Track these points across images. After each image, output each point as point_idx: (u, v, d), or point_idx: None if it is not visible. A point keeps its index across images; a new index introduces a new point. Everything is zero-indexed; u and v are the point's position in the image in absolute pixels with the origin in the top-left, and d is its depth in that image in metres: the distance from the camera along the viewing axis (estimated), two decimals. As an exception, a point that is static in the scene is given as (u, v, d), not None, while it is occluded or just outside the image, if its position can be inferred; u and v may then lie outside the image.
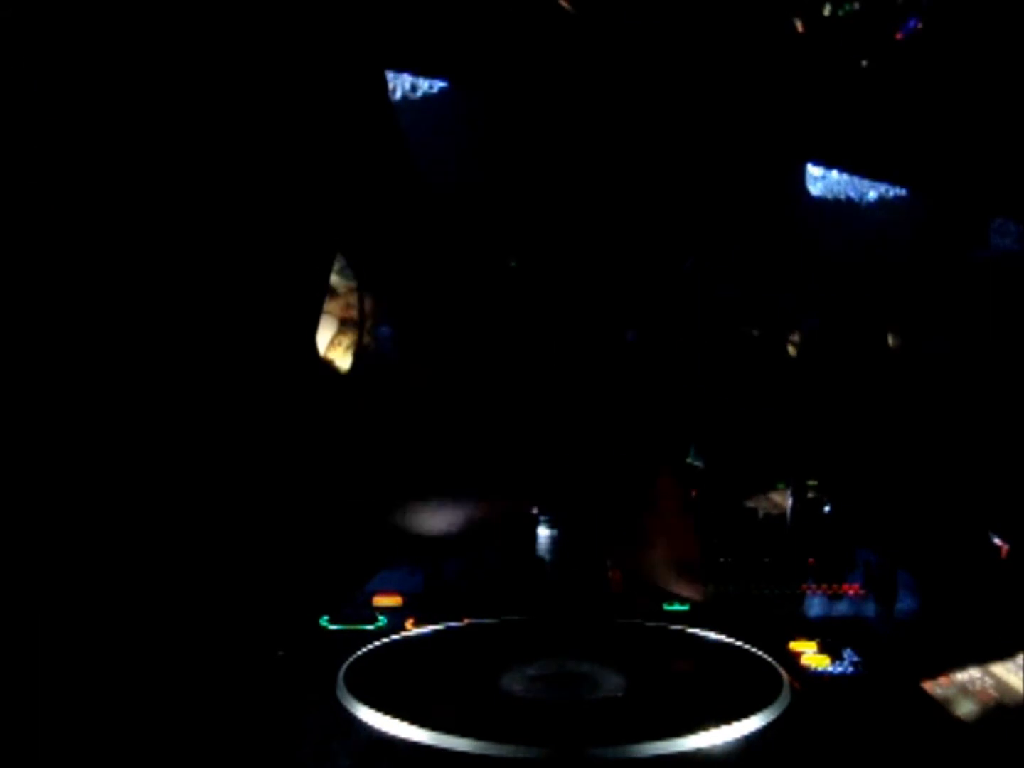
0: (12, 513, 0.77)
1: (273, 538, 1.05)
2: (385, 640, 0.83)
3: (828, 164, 2.24)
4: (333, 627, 0.89)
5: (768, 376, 2.17)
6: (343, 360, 1.86)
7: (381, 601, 0.97)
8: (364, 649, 0.80)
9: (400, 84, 2.65)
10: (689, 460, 1.86)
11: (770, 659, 0.78)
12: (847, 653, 0.83)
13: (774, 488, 1.56)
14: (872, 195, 2.22)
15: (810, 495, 1.34)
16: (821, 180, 2.24)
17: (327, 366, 1.81)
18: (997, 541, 1.14)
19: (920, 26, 1.59)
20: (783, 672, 0.74)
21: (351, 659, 0.77)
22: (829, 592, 1.04)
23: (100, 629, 0.80)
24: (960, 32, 1.75)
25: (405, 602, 0.97)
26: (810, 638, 0.85)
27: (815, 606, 1.00)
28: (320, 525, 1.10)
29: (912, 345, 1.96)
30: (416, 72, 2.63)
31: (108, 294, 0.81)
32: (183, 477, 0.88)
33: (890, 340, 2.05)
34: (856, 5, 1.70)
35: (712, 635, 0.85)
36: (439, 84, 2.63)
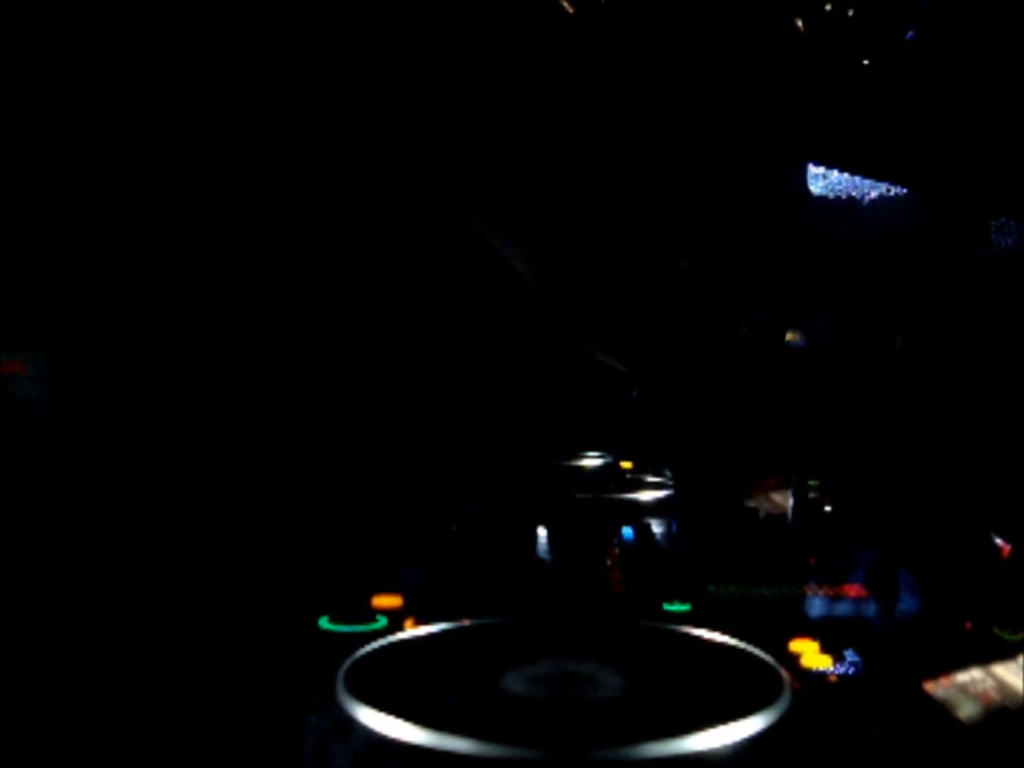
0: None
1: (275, 536, 1.04)
2: (385, 640, 0.83)
3: (828, 164, 2.24)
4: (333, 627, 0.89)
5: (770, 376, 2.16)
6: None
7: (381, 601, 0.97)
8: (364, 649, 0.80)
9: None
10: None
11: (771, 660, 0.78)
12: (848, 653, 0.82)
13: (774, 488, 1.56)
14: (873, 194, 2.21)
15: (810, 495, 1.34)
16: (822, 179, 2.24)
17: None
18: (998, 541, 1.14)
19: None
20: (784, 672, 0.74)
21: (351, 659, 0.77)
22: (830, 592, 1.03)
23: (101, 627, 0.80)
24: (961, 32, 1.75)
25: (405, 602, 0.97)
26: (812, 638, 0.85)
27: (816, 606, 1.00)
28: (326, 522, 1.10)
29: (914, 344, 1.96)
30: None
31: None
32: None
33: (893, 340, 2.05)
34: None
35: (712, 635, 0.85)
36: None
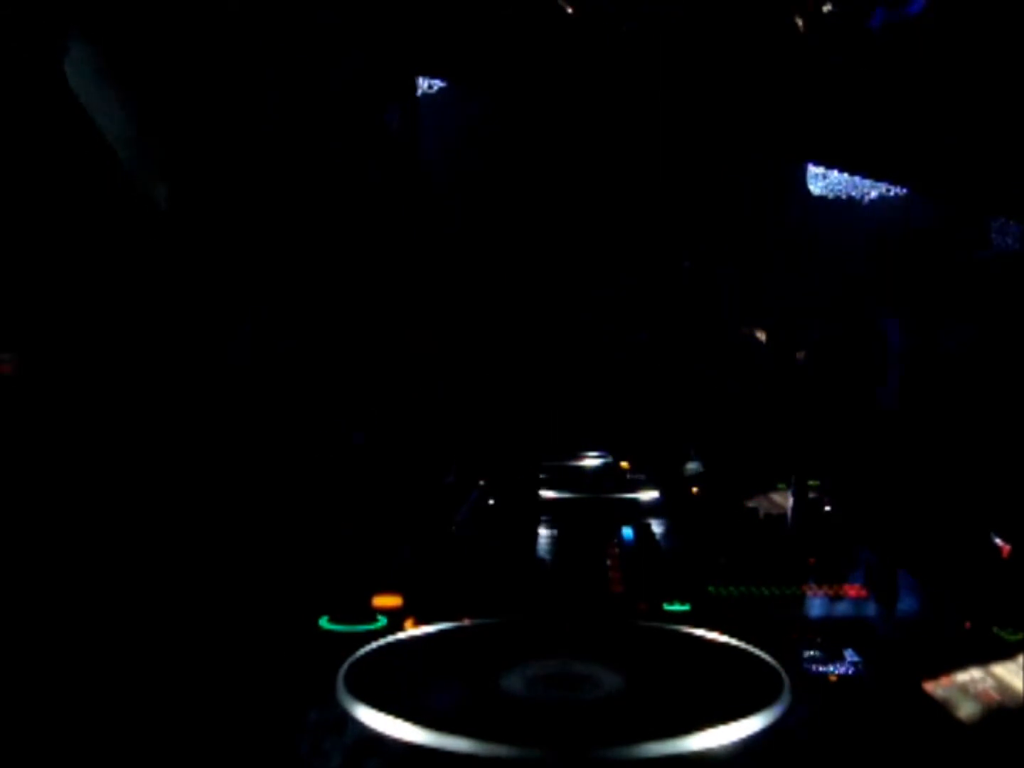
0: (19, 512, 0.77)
1: (276, 536, 1.04)
2: (385, 640, 0.83)
3: (828, 164, 2.23)
4: (333, 627, 0.89)
5: (771, 377, 2.16)
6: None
7: (381, 601, 0.97)
8: (364, 649, 0.80)
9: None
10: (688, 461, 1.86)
11: (771, 659, 0.78)
12: (848, 653, 0.82)
13: (774, 488, 1.56)
14: (873, 194, 2.21)
15: (810, 495, 1.34)
16: (822, 180, 2.24)
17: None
18: (998, 541, 1.14)
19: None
20: (783, 672, 0.74)
21: (351, 659, 0.77)
22: (830, 592, 1.03)
23: (103, 627, 0.80)
24: (960, 29, 1.75)
25: (405, 602, 0.97)
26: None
27: (816, 606, 1.00)
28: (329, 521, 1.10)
29: (913, 345, 1.96)
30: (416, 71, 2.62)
31: None
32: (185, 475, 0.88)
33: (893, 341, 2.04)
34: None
35: (712, 635, 0.85)
36: (438, 84, 2.63)
